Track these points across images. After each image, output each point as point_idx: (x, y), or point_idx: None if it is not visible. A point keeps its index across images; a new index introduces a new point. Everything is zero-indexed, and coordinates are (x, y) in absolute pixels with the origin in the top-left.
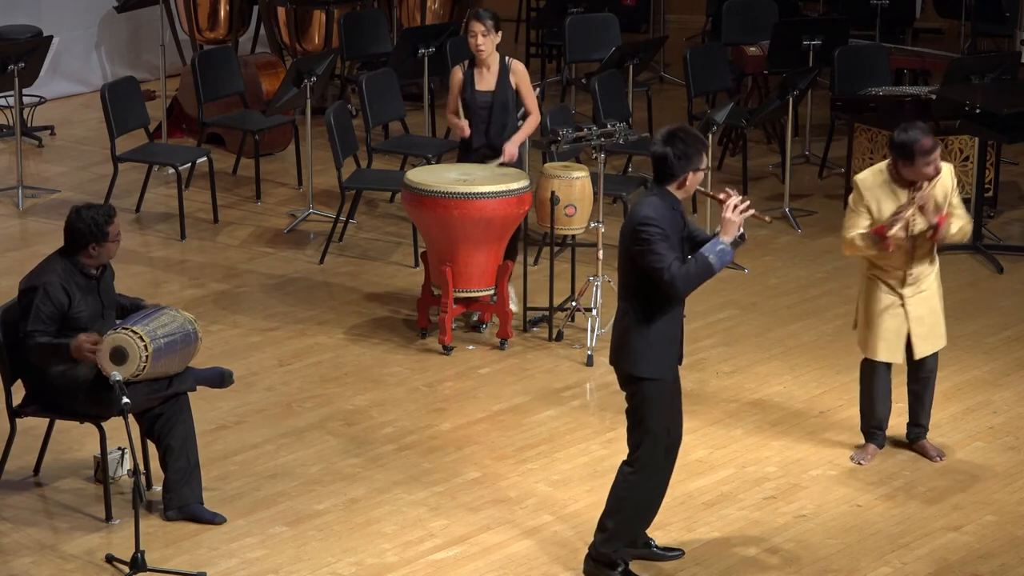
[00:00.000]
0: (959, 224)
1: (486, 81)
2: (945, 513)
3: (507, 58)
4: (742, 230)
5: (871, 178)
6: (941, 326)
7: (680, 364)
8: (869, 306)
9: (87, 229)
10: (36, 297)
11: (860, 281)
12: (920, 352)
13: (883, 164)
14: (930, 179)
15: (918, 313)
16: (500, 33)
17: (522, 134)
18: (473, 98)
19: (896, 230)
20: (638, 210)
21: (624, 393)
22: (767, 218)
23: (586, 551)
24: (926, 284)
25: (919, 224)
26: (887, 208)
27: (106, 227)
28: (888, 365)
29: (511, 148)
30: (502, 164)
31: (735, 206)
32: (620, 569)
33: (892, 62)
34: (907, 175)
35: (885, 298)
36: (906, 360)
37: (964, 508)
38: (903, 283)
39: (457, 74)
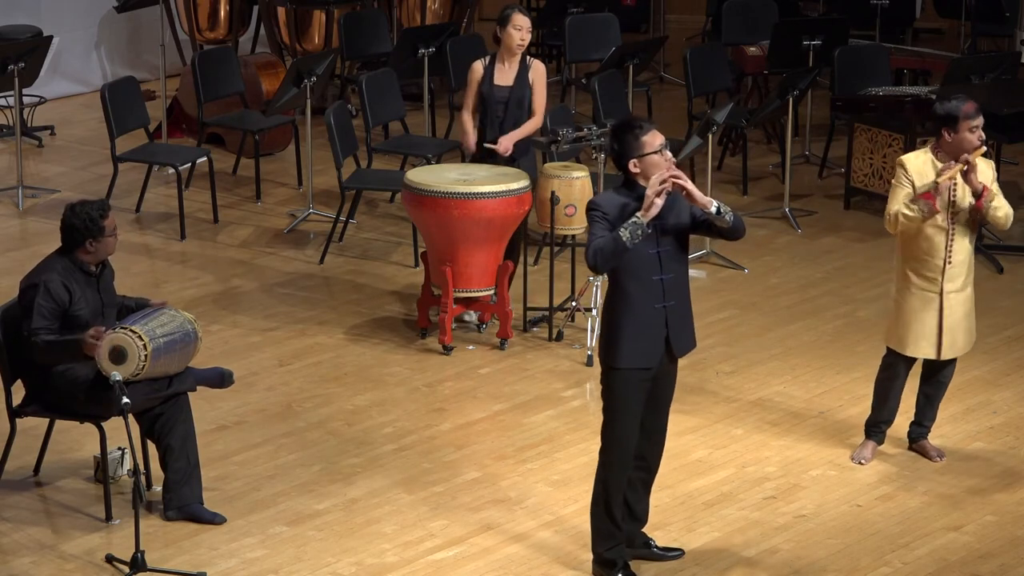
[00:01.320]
0: (1004, 202)
1: (505, 77)
2: (945, 513)
3: (528, 57)
4: (716, 204)
5: (914, 158)
6: (971, 331)
7: (672, 360)
8: (905, 301)
9: (82, 225)
10: (37, 295)
11: (895, 279)
12: (947, 353)
13: (925, 148)
14: (975, 148)
15: (953, 312)
16: None
17: (520, 132)
18: (491, 93)
19: (944, 179)
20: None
21: None
22: (717, 205)
23: (589, 553)
24: (963, 282)
25: (960, 194)
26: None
27: (101, 221)
28: (911, 362)
29: (506, 141)
30: (492, 152)
31: (656, 181)
32: (617, 568)
33: (892, 62)
34: (952, 147)
35: (922, 293)
36: (924, 362)
37: (964, 508)
38: (943, 273)
39: (477, 69)
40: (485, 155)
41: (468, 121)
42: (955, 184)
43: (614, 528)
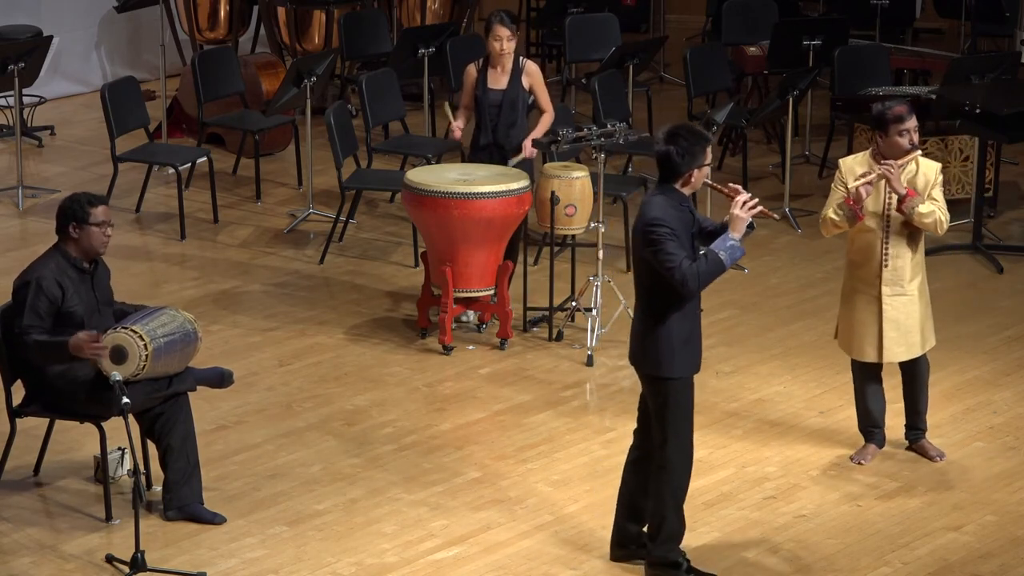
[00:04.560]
0: (931, 208)
1: (499, 80)
2: (945, 513)
3: (522, 59)
4: (750, 219)
5: (852, 160)
6: (918, 335)
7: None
8: (847, 306)
9: (69, 208)
10: (30, 292)
11: (843, 284)
12: (889, 356)
13: (867, 151)
14: (906, 153)
15: (893, 316)
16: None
17: (538, 131)
18: (485, 96)
19: (858, 185)
20: (646, 212)
21: (643, 389)
22: (775, 215)
23: (588, 553)
24: (908, 287)
25: (895, 200)
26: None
27: (88, 208)
28: (876, 364)
29: (529, 145)
30: (522, 160)
31: (744, 202)
32: (684, 568)
33: (892, 62)
34: (885, 150)
35: (861, 297)
36: (901, 368)
37: (964, 508)
38: (880, 278)
39: (472, 72)
40: (476, 155)
41: (459, 115)
42: (888, 188)
43: (683, 530)
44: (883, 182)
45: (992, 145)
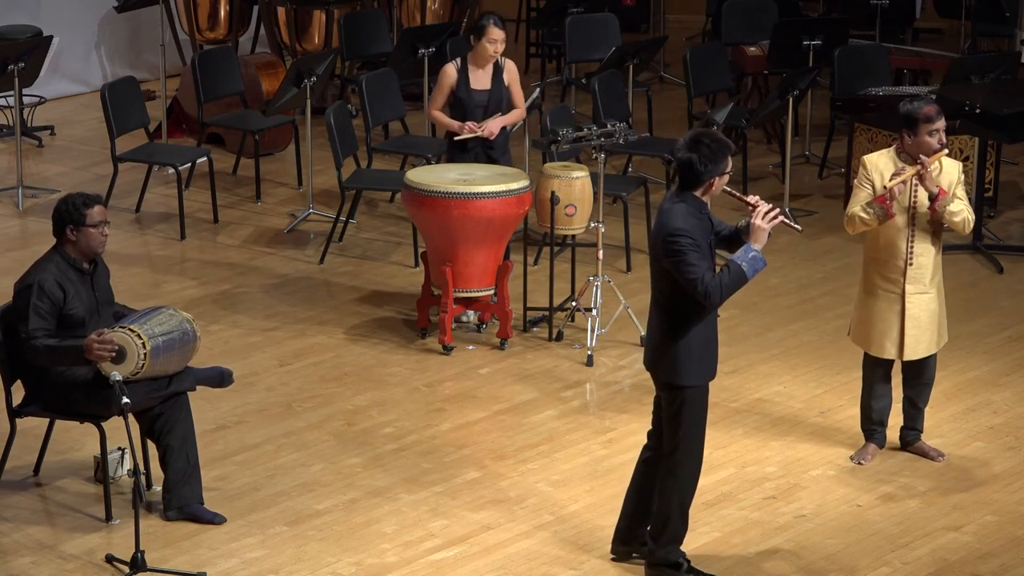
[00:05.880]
0: (961, 206)
1: (481, 80)
2: (945, 513)
3: (500, 57)
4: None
5: (877, 156)
6: (935, 332)
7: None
8: (867, 301)
9: (66, 209)
10: (32, 295)
11: (860, 278)
12: (909, 353)
13: (890, 147)
14: (935, 152)
15: (915, 313)
16: None
17: (504, 119)
18: (469, 97)
19: (894, 184)
20: (667, 221)
21: (657, 393)
22: (798, 227)
23: (588, 553)
24: (929, 285)
25: (921, 196)
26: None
27: (84, 209)
28: (888, 361)
29: (492, 124)
30: (478, 137)
31: (765, 213)
32: (684, 568)
33: (892, 62)
34: (912, 148)
35: (883, 295)
36: (903, 365)
37: (964, 508)
38: (904, 275)
39: (451, 72)
40: (461, 148)
41: (441, 114)
42: (916, 186)
43: (685, 532)
44: (912, 179)
45: (992, 145)
